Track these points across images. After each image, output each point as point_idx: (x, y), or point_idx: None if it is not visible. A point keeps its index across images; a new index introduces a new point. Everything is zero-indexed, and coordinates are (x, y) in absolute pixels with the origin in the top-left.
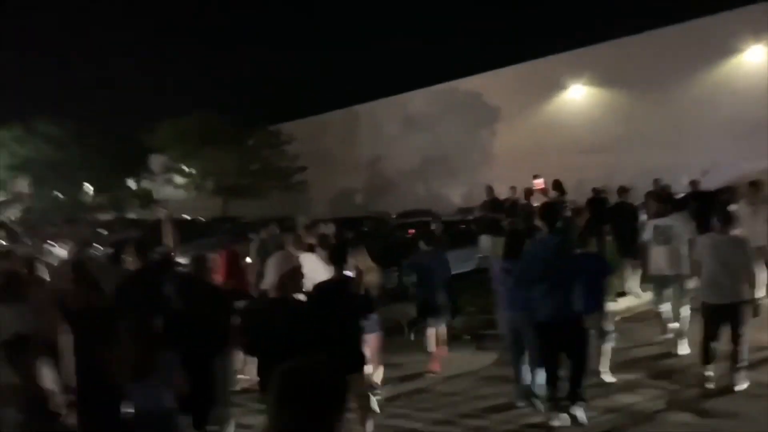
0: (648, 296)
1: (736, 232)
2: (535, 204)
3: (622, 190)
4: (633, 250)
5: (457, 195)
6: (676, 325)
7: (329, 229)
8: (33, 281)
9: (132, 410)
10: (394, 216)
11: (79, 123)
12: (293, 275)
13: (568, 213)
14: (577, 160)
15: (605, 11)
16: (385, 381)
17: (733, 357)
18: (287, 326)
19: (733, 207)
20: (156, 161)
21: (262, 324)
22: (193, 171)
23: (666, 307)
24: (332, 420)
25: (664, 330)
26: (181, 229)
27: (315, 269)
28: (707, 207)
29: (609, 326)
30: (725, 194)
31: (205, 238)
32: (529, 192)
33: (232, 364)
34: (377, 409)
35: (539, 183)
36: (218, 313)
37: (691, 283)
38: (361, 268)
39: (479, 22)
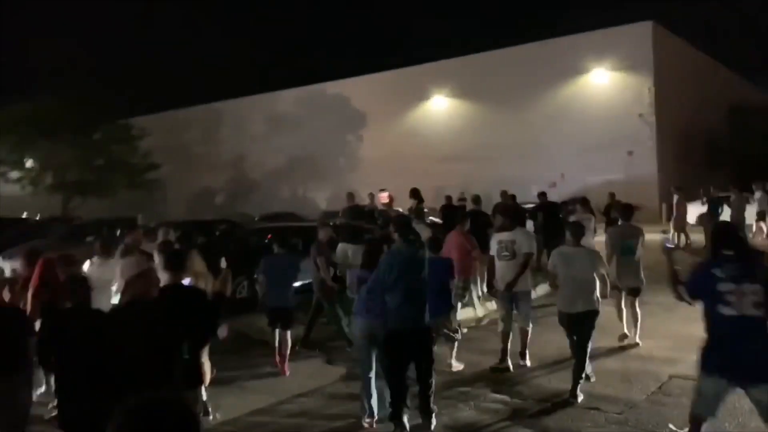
0: (494, 306)
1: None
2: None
3: (477, 200)
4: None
5: (322, 199)
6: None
7: (167, 234)
8: None
9: None
10: (257, 218)
11: None
12: (138, 281)
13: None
14: (437, 167)
15: (467, 26)
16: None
17: (576, 369)
18: (88, 340)
19: (583, 218)
20: None
21: (62, 337)
22: (29, 164)
23: (509, 326)
24: None
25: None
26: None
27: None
28: (553, 219)
29: (455, 326)
30: (569, 205)
31: (35, 241)
32: (415, 193)
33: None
34: None
35: (384, 196)
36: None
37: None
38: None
39: (348, 27)
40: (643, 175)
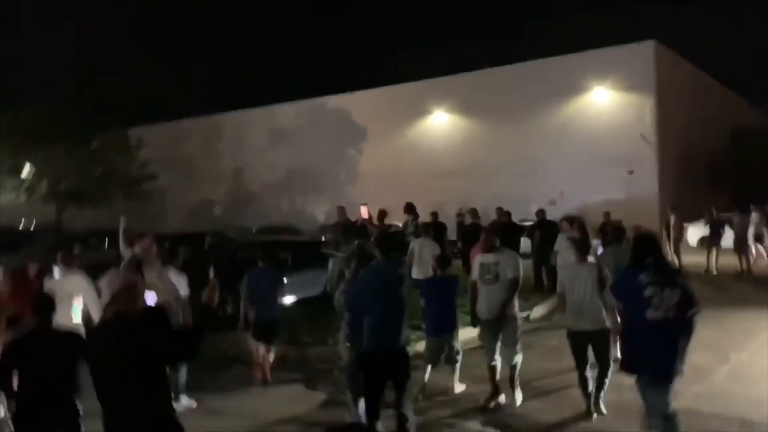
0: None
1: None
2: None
3: (474, 213)
4: None
5: (321, 212)
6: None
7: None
8: None
9: None
10: (255, 231)
11: None
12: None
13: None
14: (437, 183)
15: (469, 42)
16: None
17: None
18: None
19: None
20: None
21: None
22: (25, 173)
23: (497, 360)
24: None
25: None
26: None
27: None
28: (550, 237)
29: (458, 345)
30: (562, 223)
31: (22, 250)
32: (382, 214)
33: None
34: None
35: (363, 211)
36: None
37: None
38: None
39: (349, 42)
40: (644, 195)
